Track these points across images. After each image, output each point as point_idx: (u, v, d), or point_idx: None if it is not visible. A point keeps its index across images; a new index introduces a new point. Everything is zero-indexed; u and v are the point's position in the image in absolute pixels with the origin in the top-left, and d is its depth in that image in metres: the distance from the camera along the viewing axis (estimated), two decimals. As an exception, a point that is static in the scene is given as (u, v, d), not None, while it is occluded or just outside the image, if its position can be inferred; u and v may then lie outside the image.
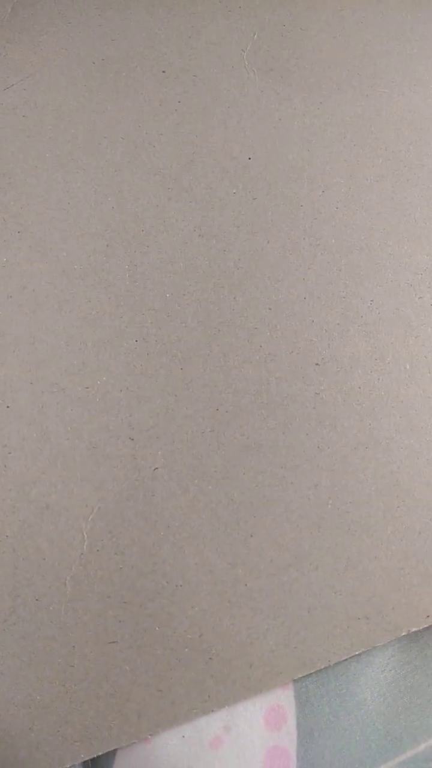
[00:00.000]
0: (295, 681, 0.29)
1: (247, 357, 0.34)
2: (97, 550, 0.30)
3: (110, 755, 0.28)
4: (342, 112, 0.39)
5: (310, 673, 0.29)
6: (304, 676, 0.29)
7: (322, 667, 0.29)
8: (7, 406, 0.32)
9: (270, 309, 0.35)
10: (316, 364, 0.34)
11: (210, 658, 0.29)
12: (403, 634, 0.29)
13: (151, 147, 0.38)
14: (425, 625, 0.29)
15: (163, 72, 0.40)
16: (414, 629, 0.29)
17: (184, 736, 0.28)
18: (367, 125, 0.39)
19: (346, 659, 0.29)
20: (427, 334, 0.34)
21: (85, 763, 0.28)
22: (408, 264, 0.36)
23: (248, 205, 0.37)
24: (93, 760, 0.28)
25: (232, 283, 0.35)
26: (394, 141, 0.38)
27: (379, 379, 0.34)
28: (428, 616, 0.29)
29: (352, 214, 0.37)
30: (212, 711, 0.28)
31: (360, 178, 0.37)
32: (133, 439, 0.32)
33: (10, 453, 0.32)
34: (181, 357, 0.34)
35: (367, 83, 0.40)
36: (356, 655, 0.29)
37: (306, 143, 0.38)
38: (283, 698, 0.28)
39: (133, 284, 0.35)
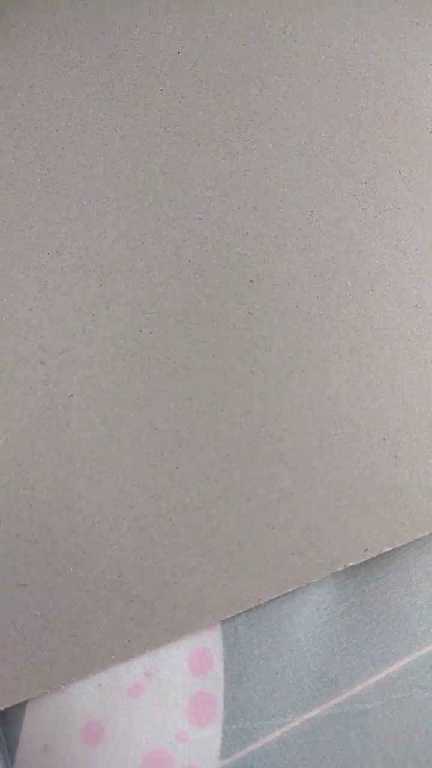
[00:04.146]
0: (222, 622, 0.24)
1: (174, 272, 0.28)
2: (4, 485, 0.25)
3: (20, 708, 0.23)
4: (282, 3, 0.32)
5: (240, 614, 0.24)
6: (232, 617, 0.24)
7: (253, 606, 0.24)
8: None
9: (200, 219, 0.28)
10: (250, 280, 0.28)
11: (130, 600, 0.24)
12: (340, 569, 0.24)
13: (68, 37, 0.30)
14: (363, 559, 0.24)
15: None
16: (351, 564, 0.24)
17: (101, 685, 0.23)
18: (309, 19, 0.32)
19: (278, 597, 0.24)
20: (370, 249, 0.29)
21: (-9, 717, 0.23)
22: (351, 171, 0.30)
23: (176, 104, 0.30)
24: (2, 713, 0.23)
25: (157, 190, 0.29)
26: (338, 37, 0.32)
27: (318, 297, 0.28)
28: (366, 550, 0.25)
29: (291, 116, 0.30)
30: (132, 657, 0.23)
31: (301, 77, 0.31)
32: (44, 363, 0.26)
33: None
34: (100, 272, 0.27)
35: (310, -27, 0.33)
36: (289, 592, 0.24)
37: (242, 37, 0.31)
38: (210, 641, 0.24)
39: (45, 190, 0.28)
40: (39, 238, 0.27)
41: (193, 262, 0.28)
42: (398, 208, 0.29)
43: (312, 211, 0.29)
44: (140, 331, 0.27)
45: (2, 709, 0.23)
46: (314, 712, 0.23)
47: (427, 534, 0.25)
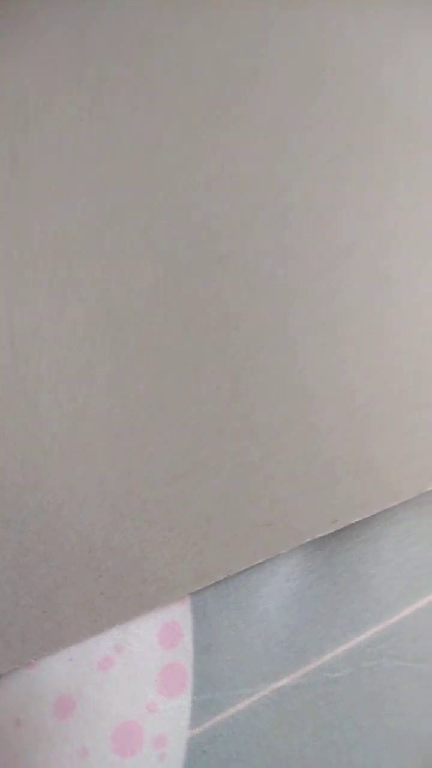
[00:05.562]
0: (192, 595, 0.24)
1: (142, 252, 0.27)
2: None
3: (-7, 683, 0.23)
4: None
5: (209, 586, 0.24)
6: (201, 590, 0.24)
7: (222, 578, 0.23)
8: None
9: (168, 198, 0.28)
10: (219, 258, 0.27)
11: (100, 575, 0.24)
12: (308, 540, 0.24)
13: (34, 17, 0.30)
14: (332, 530, 0.24)
15: None
16: (319, 535, 0.24)
17: (71, 659, 0.23)
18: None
19: (247, 570, 0.24)
20: (339, 223, 0.28)
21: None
22: (321, 148, 0.29)
23: (145, 83, 0.29)
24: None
25: (125, 171, 0.28)
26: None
27: (285, 273, 0.27)
28: (335, 521, 0.24)
29: (262, 92, 0.30)
30: (102, 631, 0.23)
31: (273, 53, 0.30)
32: (13, 345, 0.26)
33: None
34: (69, 254, 0.27)
35: None
36: (258, 564, 0.24)
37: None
38: (179, 614, 0.23)
39: (14, 176, 0.28)
40: (7, 223, 0.27)
41: (162, 241, 0.27)
42: (367, 183, 0.29)
43: (281, 187, 0.28)
44: (108, 312, 0.26)
45: (-24, 683, 0.23)
46: (283, 682, 0.23)
47: (396, 504, 0.24)
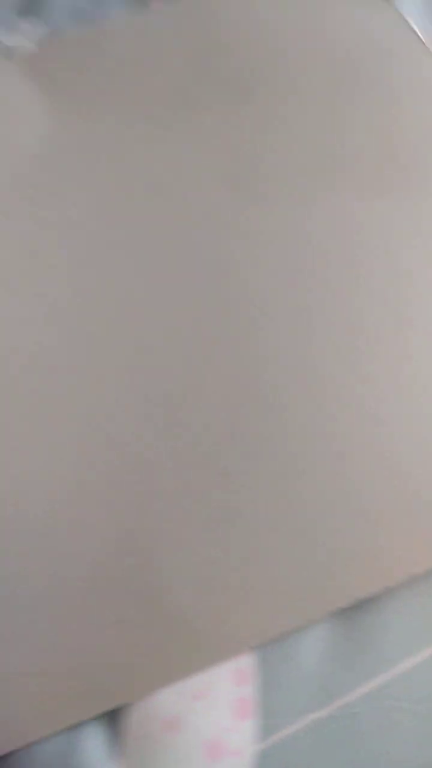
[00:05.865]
0: (255, 648, 0.34)
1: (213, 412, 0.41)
2: (117, 561, 0.37)
3: (125, 708, 0.35)
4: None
5: (266, 642, 0.34)
6: (261, 645, 0.34)
7: (275, 636, 0.34)
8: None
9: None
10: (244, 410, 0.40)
11: (194, 633, 0.35)
12: (333, 610, 0.34)
13: None
14: (348, 603, 0.34)
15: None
16: (341, 606, 0.34)
17: (177, 692, 0.34)
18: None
19: (291, 631, 0.34)
20: (323, 366, 0.40)
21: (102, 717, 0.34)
22: (299, 319, 0.42)
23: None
24: (112, 712, 0.35)
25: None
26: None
27: (287, 403, 0.39)
28: (351, 596, 0.34)
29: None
30: (196, 673, 0.34)
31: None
32: (114, 481, 0.39)
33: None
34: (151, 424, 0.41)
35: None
36: (300, 627, 0.35)
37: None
38: (247, 662, 0.34)
39: None
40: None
41: (225, 406, 0.40)
42: (350, 331, 0.41)
43: (266, 328, 0.41)
44: (193, 446, 0.39)
45: (115, 707, 0.34)
46: (317, 714, 0.32)
47: (394, 584, 0.34)
